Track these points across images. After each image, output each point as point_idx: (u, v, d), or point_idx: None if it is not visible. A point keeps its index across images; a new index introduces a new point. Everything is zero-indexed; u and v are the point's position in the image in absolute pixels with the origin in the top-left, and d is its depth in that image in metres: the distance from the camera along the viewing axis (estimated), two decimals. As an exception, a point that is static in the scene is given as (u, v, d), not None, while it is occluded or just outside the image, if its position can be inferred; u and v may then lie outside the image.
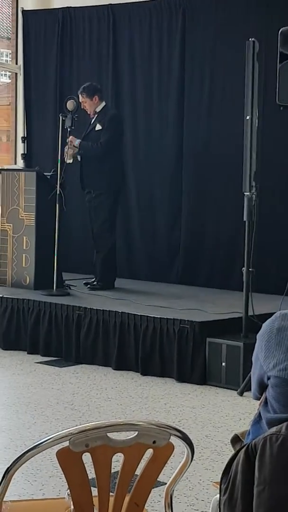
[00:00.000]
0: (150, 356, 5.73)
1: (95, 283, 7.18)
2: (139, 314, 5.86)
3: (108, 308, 6.05)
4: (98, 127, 7.01)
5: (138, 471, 1.97)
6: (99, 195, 7.04)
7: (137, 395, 5.18)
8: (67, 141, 6.90)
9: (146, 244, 7.99)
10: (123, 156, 7.53)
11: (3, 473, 1.95)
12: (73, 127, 6.85)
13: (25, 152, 8.52)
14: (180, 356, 5.58)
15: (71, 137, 6.91)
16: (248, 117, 5.50)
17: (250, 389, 2.27)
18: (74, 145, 6.94)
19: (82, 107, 6.99)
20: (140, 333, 5.78)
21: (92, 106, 7.04)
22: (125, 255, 7.97)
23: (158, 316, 5.75)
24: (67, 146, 6.88)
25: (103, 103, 7.11)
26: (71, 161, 6.91)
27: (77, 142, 6.95)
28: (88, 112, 7.08)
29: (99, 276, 7.18)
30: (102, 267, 7.17)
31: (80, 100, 6.99)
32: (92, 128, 7.06)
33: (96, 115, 7.07)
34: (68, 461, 1.92)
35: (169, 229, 7.83)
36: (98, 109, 7.07)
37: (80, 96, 7.02)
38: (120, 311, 5.95)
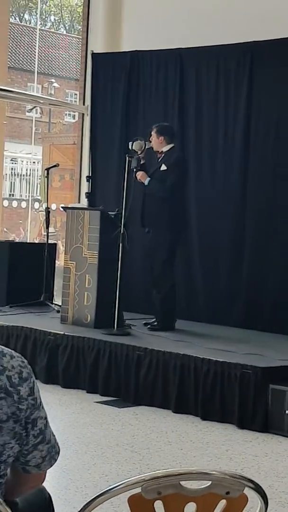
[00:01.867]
0: (211, 401, 5.64)
1: (155, 323, 7.14)
2: (200, 356, 5.79)
3: (168, 349, 5.99)
4: (163, 167, 7.05)
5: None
6: (159, 235, 7.04)
7: (197, 440, 5.09)
8: (137, 176, 6.93)
9: (207, 286, 7.93)
10: (186, 198, 7.53)
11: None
12: (138, 168, 6.91)
13: (89, 191, 8.60)
14: (242, 401, 5.48)
15: (141, 174, 6.94)
16: None
17: None
18: (142, 182, 6.98)
19: (150, 143, 7.05)
20: (201, 376, 5.70)
21: (156, 144, 7.10)
22: (185, 296, 7.93)
23: (220, 360, 5.68)
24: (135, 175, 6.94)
25: (171, 146, 7.15)
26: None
27: (146, 181, 6.99)
28: (154, 150, 7.13)
29: (159, 317, 7.15)
30: (161, 308, 7.14)
31: (151, 134, 7.06)
32: (157, 168, 7.10)
33: (162, 155, 7.11)
34: (140, 508, 1.87)
35: (231, 272, 7.77)
36: (164, 149, 7.11)
37: (152, 131, 7.09)
38: (181, 353, 5.89)
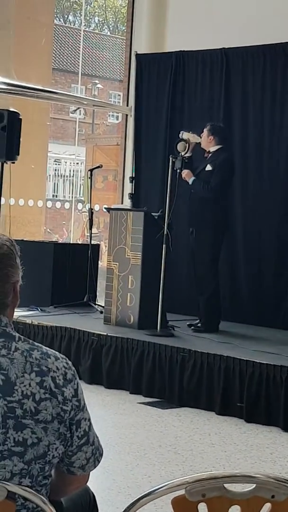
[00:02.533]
0: (255, 403, 5.59)
1: (199, 325, 7.12)
2: (245, 359, 5.75)
3: (213, 352, 5.97)
4: (209, 167, 7.02)
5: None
6: (203, 235, 7.01)
7: (241, 442, 5.06)
8: (182, 175, 6.92)
9: (252, 287, 7.88)
10: (232, 198, 7.49)
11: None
12: (182, 169, 6.88)
13: (133, 192, 8.61)
14: (287, 404, 5.42)
15: (186, 173, 6.93)
16: None
17: None
18: (187, 181, 6.97)
19: (200, 141, 7.04)
20: (246, 379, 5.66)
21: (205, 142, 7.07)
22: (230, 297, 7.89)
23: (265, 362, 5.63)
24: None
25: (219, 146, 7.11)
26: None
27: (191, 180, 6.98)
28: (202, 146, 7.11)
29: (203, 318, 7.12)
30: (205, 309, 7.12)
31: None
32: (203, 168, 7.07)
33: (209, 155, 7.09)
34: (184, 510, 1.86)
35: (277, 272, 7.71)
36: (212, 149, 7.08)
37: (205, 127, 7.08)
38: (225, 355, 5.86)
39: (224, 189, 7.05)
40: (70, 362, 1.97)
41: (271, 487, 1.90)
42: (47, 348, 1.96)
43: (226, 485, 1.87)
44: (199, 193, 6.98)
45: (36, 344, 1.95)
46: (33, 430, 1.84)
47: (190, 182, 6.98)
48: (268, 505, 1.90)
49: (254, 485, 1.89)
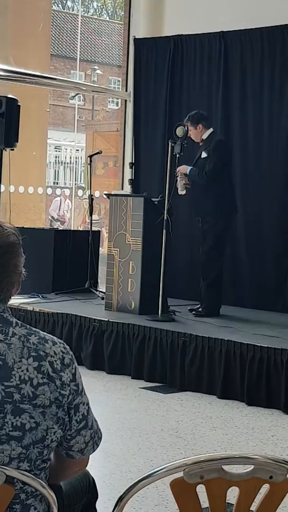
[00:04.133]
0: (256, 386, 5.61)
1: (200, 309, 7.13)
2: (245, 342, 5.76)
3: (213, 336, 5.98)
4: (204, 154, 7.00)
5: (253, 507, 1.90)
6: (207, 222, 7.01)
7: (243, 425, 5.08)
8: (176, 172, 6.90)
9: (253, 272, 7.89)
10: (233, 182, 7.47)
11: (113, 500, 1.91)
12: (182, 154, 6.85)
13: (133, 178, 8.60)
14: (288, 387, 5.44)
15: (181, 167, 6.91)
16: None
17: None
18: (184, 174, 6.94)
19: (188, 135, 6.99)
20: (247, 362, 5.68)
21: (196, 134, 7.03)
22: (231, 282, 7.89)
23: (266, 346, 5.64)
24: (178, 177, 6.88)
25: (210, 130, 7.09)
26: (184, 192, 6.92)
27: (188, 170, 6.95)
28: (195, 141, 7.08)
29: (204, 303, 7.13)
30: (207, 294, 7.12)
31: (187, 129, 7.01)
32: (199, 156, 7.05)
33: (203, 143, 7.07)
34: (183, 492, 1.87)
35: (277, 257, 7.71)
36: (204, 136, 7.06)
37: (186, 125, 7.03)
38: (226, 339, 5.87)
39: (221, 172, 6.99)
40: (68, 347, 1.98)
41: (269, 468, 1.91)
42: (45, 333, 1.96)
43: (224, 467, 1.88)
44: (197, 182, 6.97)
45: (34, 329, 1.95)
46: (31, 415, 1.85)
47: (187, 173, 6.95)
48: (266, 486, 1.92)
49: (252, 467, 1.91)
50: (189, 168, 6.95)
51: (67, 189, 17.18)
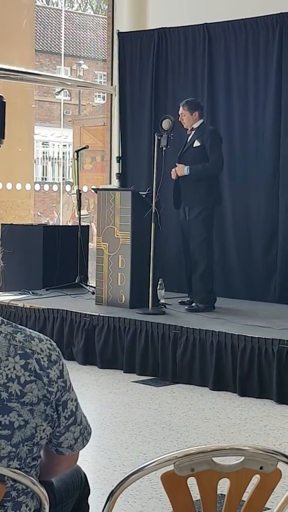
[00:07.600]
0: (248, 377, 5.63)
1: (193, 304, 7.00)
2: (236, 333, 5.77)
3: (204, 328, 5.99)
4: (197, 143, 6.97)
5: (244, 497, 1.91)
6: (196, 212, 6.96)
7: (235, 416, 5.09)
8: (172, 175, 6.88)
9: (243, 263, 7.90)
10: (220, 173, 7.46)
11: (107, 494, 1.91)
12: (168, 146, 6.82)
13: (120, 172, 8.59)
14: (280, 377, 5.46)
15: (177, 168, 6.89)
16: None
17: None
18: (184, 174, 6.90)
19: (179, 119, 6.97)
20: (238, 353, 5.69)
21: (190, 121, 7.01)
22: (221, 273, 7.90)
23: (257, 336, 5.66)
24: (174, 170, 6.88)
25: (201, 121, 7.09)
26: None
27: (186, 170, 6.91)
28: (185, 126, 7.06)
29: (198, 296, 7.03)
30: (199, 285, 7.00)
31: (180, 112, 6.99)
32: (190, 145, 7.03)
33: (193, 132, 7.05)
34: (173, 485, 1.88)
35: (266, 247, 7.72)
36: (195, 126, 7.04)
37: (181, 108, 7.02)
38: (217, 331, 5.88)
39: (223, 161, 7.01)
40: (54, 344, 1.97)
41: (260, 459, 1.92)
42: (31, 330, 1.96)
43: (215, 459, 1.89)
44: (202, 175, 6.88)
45: (20, 326, 1.95)
46: (19, 413, 1.85)
47: (187, 172, 6.90)
48: (257, 477, 1.92)
49: (242, 458, 1.91)
50: (186, 167, 6.91)
51: (55, 184, 17.15)
